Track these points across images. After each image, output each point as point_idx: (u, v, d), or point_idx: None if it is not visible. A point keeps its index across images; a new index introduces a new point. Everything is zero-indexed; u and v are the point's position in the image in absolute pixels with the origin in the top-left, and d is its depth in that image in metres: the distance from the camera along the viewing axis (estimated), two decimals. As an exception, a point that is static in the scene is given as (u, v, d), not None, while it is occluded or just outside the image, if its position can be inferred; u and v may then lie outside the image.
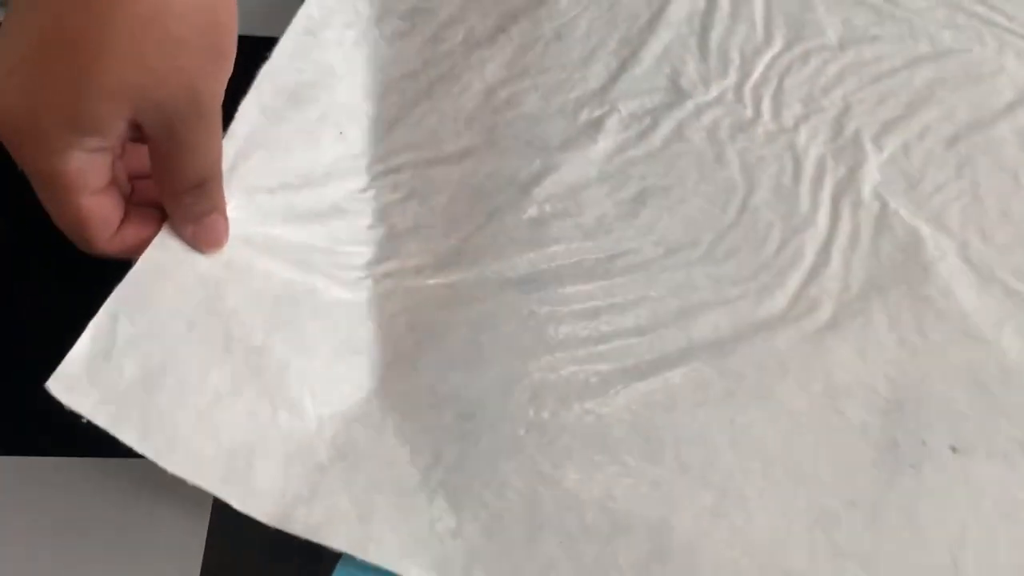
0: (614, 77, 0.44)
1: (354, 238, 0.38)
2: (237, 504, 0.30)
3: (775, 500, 0.33)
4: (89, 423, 0.29)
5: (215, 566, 0.32)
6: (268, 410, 0.32)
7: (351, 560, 0.31)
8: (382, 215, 0.39)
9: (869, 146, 0.43)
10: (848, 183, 0.42)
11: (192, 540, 0.32)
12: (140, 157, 0.32)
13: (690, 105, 0.44)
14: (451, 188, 0.40)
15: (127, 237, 0.32)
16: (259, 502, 0.30)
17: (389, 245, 0.38)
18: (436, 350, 0.35)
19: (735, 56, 0.46)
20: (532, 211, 0.40)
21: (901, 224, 0.41)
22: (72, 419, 0.29)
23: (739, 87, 0.45)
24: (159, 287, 0.32)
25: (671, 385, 0.35)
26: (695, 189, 0.41)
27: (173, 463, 0.30)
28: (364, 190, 0.40)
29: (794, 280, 0.39)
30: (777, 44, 0.47)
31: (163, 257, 0.32)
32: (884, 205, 0.41)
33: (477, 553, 0.31)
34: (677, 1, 0.48)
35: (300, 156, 0.38)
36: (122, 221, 0.32)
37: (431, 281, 0.37)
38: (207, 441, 0.31)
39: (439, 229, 0.39)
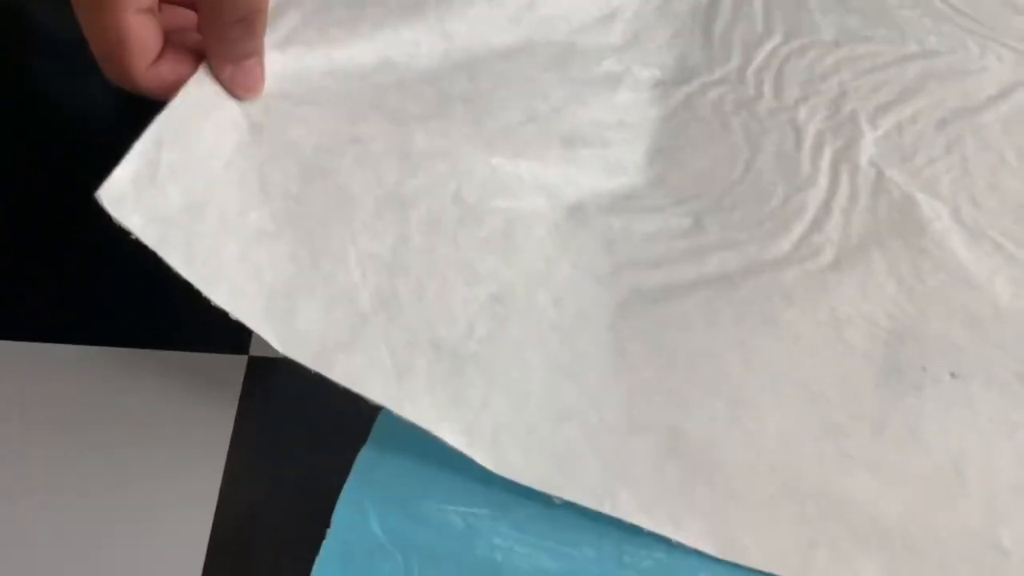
0: (630, 44, 0.48)
1: (403, 92, 0.38)
2: (279, 345, 0.30)
3: (784, 411, 0.35)
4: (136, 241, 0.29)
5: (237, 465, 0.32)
6: (308, 255, 0.32)
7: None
8: (433, 77, 0.40)
9: (865, 125, 0.46)
10: (846, 152, 0.45)
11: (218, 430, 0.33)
12: (174, 16, 0.33)
13: (696, 83, 0.47)
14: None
15: (163, 71, 0.31)
16: (300, 343, 0.31)
17: (439, 106, 0.39)
18: (474, 229, 0.36)
19: (737, 45, 0.50)
20: (565, 128, 0.42)
21: (897, 189, 0.43)
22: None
23: (742, 70, 0.48)
24: (197, 123, 0.32)
25: (684, 310, 0.37)
26: (703, 150, 0.44)
27: (217, 294, 0.30)
28: (415, 44, 0.40)
29: (797, 229, 0.41)
30: (776, 37, 0.51)
31: (201, 95, 0.32)
32: (880, 173, 0.44)
33: (504, 426, 0.32)
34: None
35: (341, 13, 0.38)
36: (159, 57, 0.31)
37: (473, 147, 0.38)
38: (250, 277, 0.31)
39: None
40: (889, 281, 0.40)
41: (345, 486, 0.32)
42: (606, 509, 0.31)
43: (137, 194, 0.29)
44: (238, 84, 0.33)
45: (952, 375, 0.36)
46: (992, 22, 0.54)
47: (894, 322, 0.38)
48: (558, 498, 0.32)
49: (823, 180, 0.44)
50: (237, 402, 0.34)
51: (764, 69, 0.49)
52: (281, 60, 0.35)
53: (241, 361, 0.35)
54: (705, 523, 0.32)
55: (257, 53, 0.33)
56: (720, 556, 0.31)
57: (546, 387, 0.34)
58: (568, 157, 0.41)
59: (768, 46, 0.50)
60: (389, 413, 0.31)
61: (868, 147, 0.45)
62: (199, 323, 0.33)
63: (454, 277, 0.35)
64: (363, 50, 0.38)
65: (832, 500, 0.33)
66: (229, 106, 0.33)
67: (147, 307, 0.37)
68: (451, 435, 0.31)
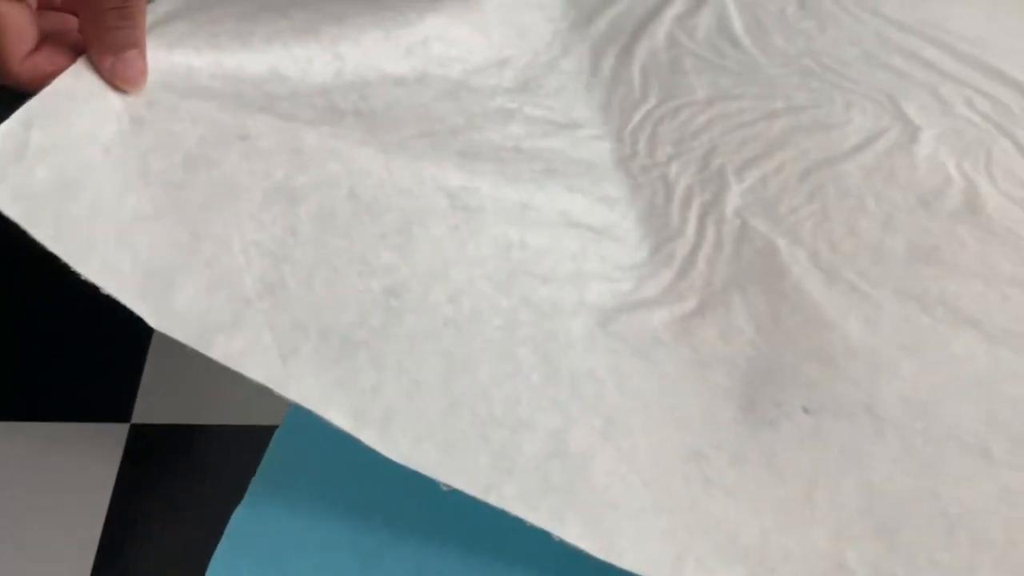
0: (520, 89, 0.51)
1: (294, 100, 0.40)
2: (153, 321, 0.31)
3: (654, 435, 0.37)
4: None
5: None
6: (190, 238, 0.33)
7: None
8: (325, 91, 0.42)
9: (732, 178, 0.49)
10: (713, 205, 0.48)
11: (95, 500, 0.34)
12: (56, 20, 0.33)
13: (582, 133, 0.50)
14: None
15: (40, 62, 0.32)
16: (177, 323, 0.32)
17: (331, 115, 0.41)
18: (369, 226, 0.38)
19: (615, 107, 0.53)
20: (461, 146, 0.44)
21: (760, 237, 0.46)
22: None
23: (620, 130, 0.51)
24: (74, 110, 0.32)
25: (567, 329, 0.40)
26: (586, 185, 0.47)
27: (88, 269, 0.30)
28: (308, 60, 0.42)
29: (666, 276, 0.44)
30: (652, 100, 0.54)
31: (78, 83, 0.33)
32: (744, 223, 0.47)
33: (395, 411, 0.34)
34: (567, 58, 0.55)
35: (232, 26, 0.40)
36: (36, 49, 0.32)
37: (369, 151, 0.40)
38: (125, 255, 0.32)
39: None
40: (748, 325, 0.42)
41: (218, 548, 0.33)
42: (492, 500, 0.33)
43: (1, 171, 0.30)
44: (118, 75, 0.33)
45: (805, 410, 0.39)
46: (857, 76, 0.57)
47: (751, 363, 0.40)
48: (446, 485, 0.33)
49: (690, 231, 0.46)
50: (116, 471, 0.35)
51: (639, 130, 0.52)
52: (168, 59, 0.37)
53: (123, 429, 0.36)
54: (585, 525, 0.34)
55: (138, 46, 0.33)
56: (598, 556, 0.33)
57: (439, 378, 0.35)
58: (467, 167, 0.43)
59: (644, 108, 0.53)
60: (265, 472, 0.33)
61: (734, 199, 0.48)
62: (78, 393, 0.35)
63: (346, 268, 0.37)
64: (254, 60, 0.40)
65: (697, 518, 0.35)
66: (110, 97, 0.34)
67: (24, 378, 0.38)
68: (338, 417, 0.33)
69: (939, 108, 0.55)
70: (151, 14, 0.36)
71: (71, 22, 0.34)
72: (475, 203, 0.42)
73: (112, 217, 0.32)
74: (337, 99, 0.42)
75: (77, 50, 0.33)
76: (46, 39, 0.33)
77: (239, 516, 0.34)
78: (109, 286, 0.31)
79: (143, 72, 0.34)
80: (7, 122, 0.31)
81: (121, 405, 0.37)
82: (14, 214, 0.30)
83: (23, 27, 0.31)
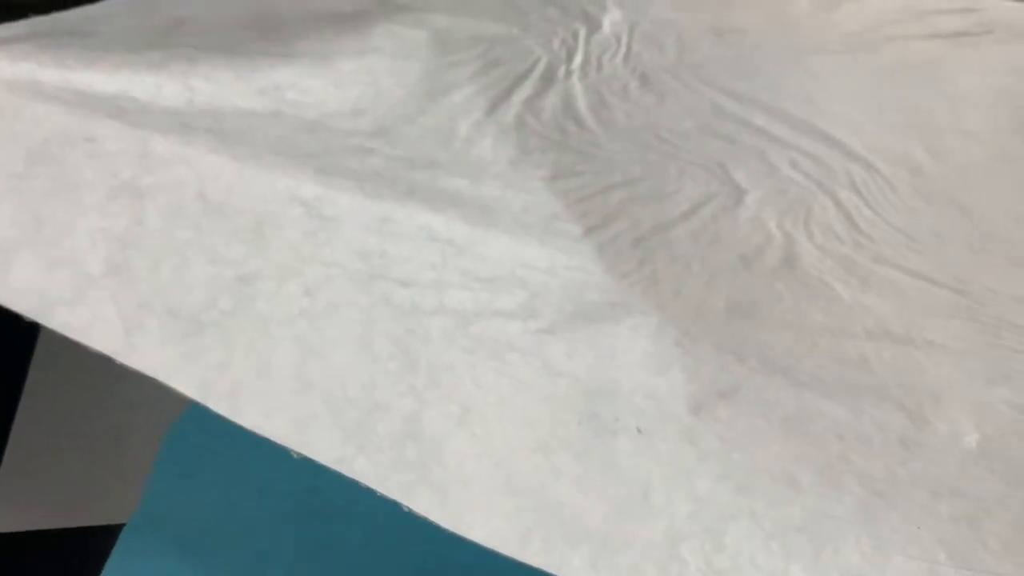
0: (379, 133, 0.54)
1: (145, 113, 0.43)
2: None
3: (506, 426, 0.40)
4: None
5: None
6: (32, 221, 0.36)
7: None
8: (176, 112, 0.44)
9: (561, 260, 0.52)
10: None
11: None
12: None
13: (441, 171, 0.54)
14: None
15: None
16: (15, 296, 0.34)
17: (183, 129, 0.44)
18: (220, 222, 0.41)
19: (470, 166, 0.56)
20: (318, 166, 0.47)
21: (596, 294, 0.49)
22: None
23: (476, 183, 0.55)
24: None
25: (427, 328, 0.43)
26: (448, 207, 0.51)
27: None
28: (158, 87, 0.45)
29: (521, 295, 0.47)
30: (502, 166, 0.57)
31: None
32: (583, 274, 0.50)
33: (244, 386, 0.36)
34: (425, 116, 0.59)
35: (78, 52, 0.43)
36: None
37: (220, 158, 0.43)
38: None
39: None
40: (590, 353, 0.45)
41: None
42: (343, 470, 0.36)
43: None
44: None
45: (639, 430, 0.42)
46: (692, 146, 0.61)
47: (594, 382, 0.44)
48: (297, 454, 0.36)
49: (543, 264, 0.49)
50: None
51: (493, 181, 0.55)
52: (11, 68, 0.40)
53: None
54: (436, 498, 0.36)
55: None
56: (446, 527, 0.36)
57: (292, 360, 0.38)
58: (324, 182, 0.47)
59: (495, 169, 0.57)
60: (122, 548, 0.34)
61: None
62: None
63: (196, 257, 0.40)
64: (103, 80, 0.43)
65: (545, 501, 0.38)
66: None
67: None
68: (184, 387, 0.35)
69: (765, 171, 0.59)
70: None
71: None
72: (332, 213, 0.46)
73: None
74: (189, 120, 0.45)
75: None
76: None
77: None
78: None
79: None
80: None
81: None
82: None
83: None
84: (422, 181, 0.52)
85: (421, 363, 0.41)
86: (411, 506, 0.35)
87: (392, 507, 0.36)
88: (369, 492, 0.36)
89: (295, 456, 0.35)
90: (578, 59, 0.71)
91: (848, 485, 0.40)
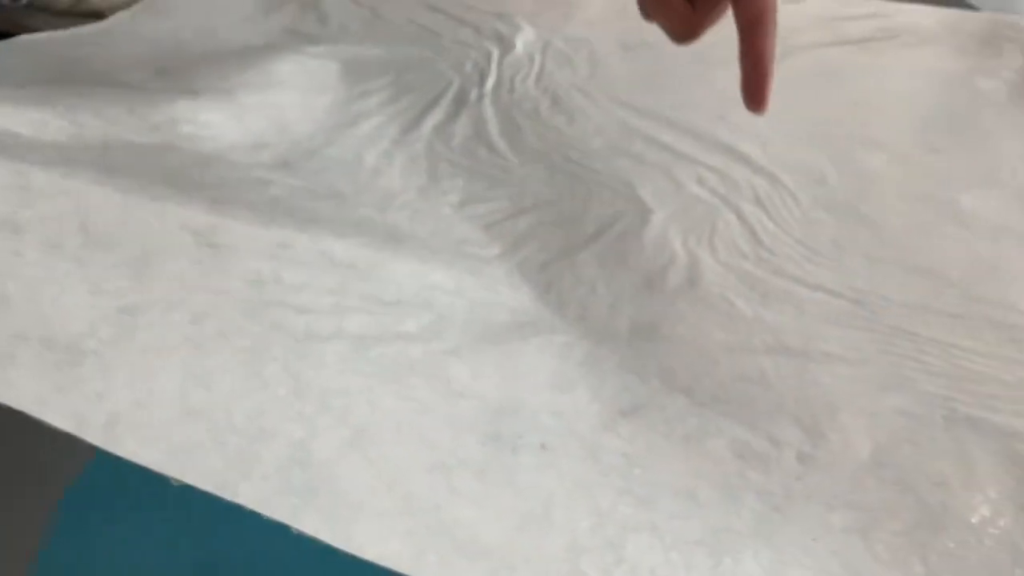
0: (279, 166, 0.55)
1: (28, 148, 0.43)
2: None
3: (402, 448, 0.40)
4: None
5: None
6: None
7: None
8: (62, 147, 0.44)
9: (467, 281, 0.53)
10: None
11: None
12: None
13: (344, 201, 0.55)
14: None
15: None
16: None
17: (66, 162, 0.43)
18: (103, 254, 0.41)
19: (376, 193, 0.57)
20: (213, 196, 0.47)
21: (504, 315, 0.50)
22: None
23: (382, 210, 0.56)
24: None
25: (321, 353, 0.43)
26: (351, 233, 0.51)
27: None
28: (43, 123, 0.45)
29: (425, 317, 0.48)
30: (405, 196, 0.58)
31: None
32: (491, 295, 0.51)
33: (123, 415, 0.36)
34: (331, 148, 0.59)
35: None
36: None
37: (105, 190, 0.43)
38: None
39: None
40: (496, 373, 0.46)
41: None
42: (226, 495, 0.35)
43: None
44: None
45: (543, 446, 0.42)
46: (600, 166, 0.62)
47: (498, 401, 0.44)
48: (176, 480, 0.35)
49: (450, 285, 0.50)
50: None
51: (401, 209, 0.56)
52: None
53: None
54: (325, 520, 0.36)
55: None
56: (337, 547, 0.35)
57: (175, 389, 0.38)
58: (217, 210, 0.47)
59: (402, 198, 0.57)
60: None
61: (478, 293, 0.52)
62: None
63: (76, 287, 0.39)
64: None
65: (440, 520, 0.38)
66: None
67: None
68: (57, 419, 0.35)
69: (672, 189, 0.61)
70: None
71: None
72: (224, 241, 0.46)
73: None
74: (74, 154, 0.46)
75: None
76: None
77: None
78: None
79: None
80: None
81: None
82: None
83: None
84: (324, 210, 0.52)
85: (313, 389, 0.41)
86: (299, 527, 0.36)
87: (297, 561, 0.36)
88: (274, 551, 0.36)
89: (174, 484, 0.35)
90: (490, 81, 0.71)
91: (746, 500, 0.41)
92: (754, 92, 0.46)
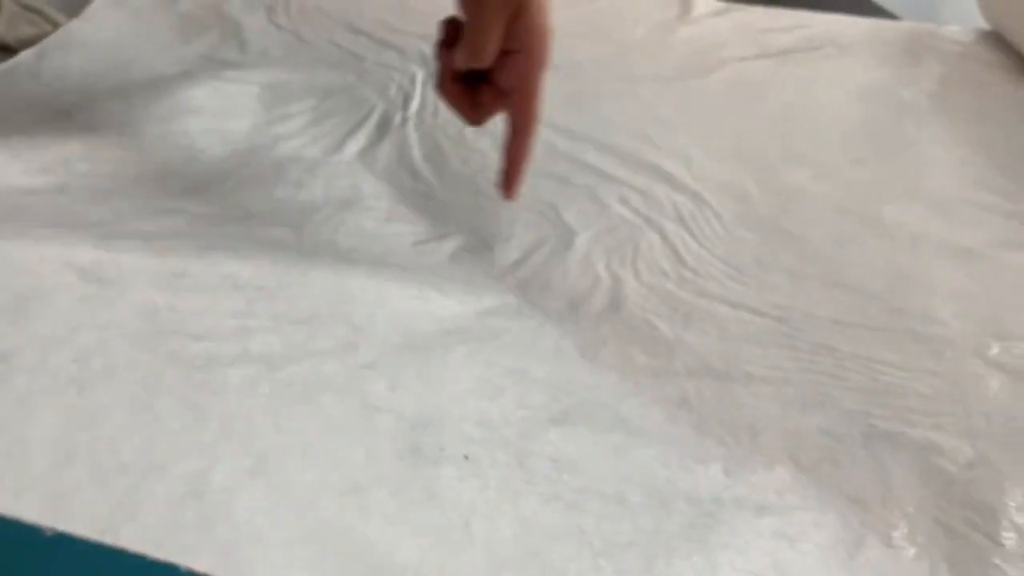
0: (192, 191, 0.54)
1: None
2: None
3: (310, 472, 0.39)
4: None
5: None
6: None
7: None
8: None
9: (394, 288, 0.52)
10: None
11: None
12: None
13: (255, 222, 0.54)
14: None
15: None
16: None
17: None
18: None
19: (295, 210, 0.57)
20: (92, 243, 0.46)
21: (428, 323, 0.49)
22: None
23: (299, 224, 0.55)
24: None
25: (223, 380, 0.42)
26: (258, 253, 0.50)
27: None
28: None
29: (341, 331, 0.47)
30: (328, 209, 0.57)
31: None
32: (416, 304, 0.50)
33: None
34: (248, 168, 0.59)
35: None
36: None
37: None
38: None
39: None
40: (416, 382, 0.45)
41: None
42: (108, 540, 0.34)
43: None
44: None
45: (466, 457, 0.42)
46: (524, 189, 0.61)
47: (418, 415, 0.44)
48: (51, 530, 0.34)
49: (370, 297, 0.49)
50: None
51: (321, 225, 0.55)
52: None
53: None
54: (221, 556, 0.35)
55: None
56: None
57: (53, 434, 0.37)
58: (104, 246, 0.46)
59: (326, 211, 0.57)
60: None
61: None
62: None
63: None
64: None
65: (352, 544, 0.37)
66: None
67: None
68: None
69: (596, 210, 0.60)
70: None
71: None
72: (112, 275, 0.45)
73: None
74: None
75: None
76: None
77: None
78: None
79: None
80: None
81: None
82: None
83: None
84: (232, 233, 0.51)
85: (212, 417, 0.40)
86: (191, 565, 0.35)
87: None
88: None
89: (48, 534, 0.34)
90: (414, 104, 0.71)
91: (676, 504, 0.41)
92: (506, 184, 0.53)
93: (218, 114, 0.63)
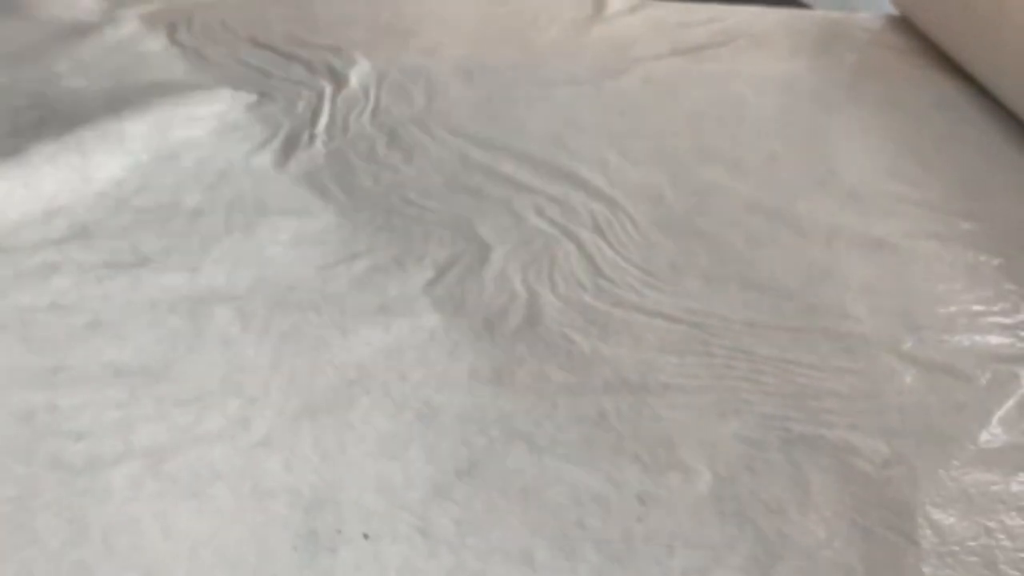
0: (74, 236, 0.51)
1: None
2: None
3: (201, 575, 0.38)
4: None
5: None
6: None
7: None
8: None
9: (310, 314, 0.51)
10: (294, 334, 0.49)
11: None
12: None
13: (147, 270, 0.52)
14: None
15: None
16: None
17: None
18: None
19: (195, 241, 0.54)
20: None
21: (333, 370, 0.48)
22: None
23: (198, 260, 0.54)
24: None
25: (106, 483, 0.40)
26: (145, 330, 0.48)
27: None
28: None
29: (232, 406, 0.45)
30: (236, 234, 0.56)
31: None
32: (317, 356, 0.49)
33: None
34: (143, 194, 0.57)
35: None
36: None
37: None
38: None
39: None
40: (314, 453, 0.43)
41: None
42: None
43: None
44: None
45: (365, 536, 0.40)
46: (438, 205, 0.61)
47: (315, 492, 0.42)
48: None
49: (264, 360, 0.47)
50: None
51: (220, 261, 0.53)
52: None
53: None
54: None
55: None
56: None
57: None
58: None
59: (227, 242, 0.55)
60: None
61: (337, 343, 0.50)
62: None
63: None
64: None
65: None
66: None
67: None
68: None
69: (511, 222, 0.60)
70: None
71: None
72: None
73: None
74: None
75: None
76: None
77: None
78: None
79: None
80: None
81: None
82: None
83: None
84: (114, 296, 0.49)
85: (94, 529, 0.38)
86: None
87: None
88: None
89: None
90: (323, 121, 0.69)
91: (584, 553, 0.40)
92: None
93: (112, 141, 0.60)
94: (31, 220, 0.51)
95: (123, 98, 0.65)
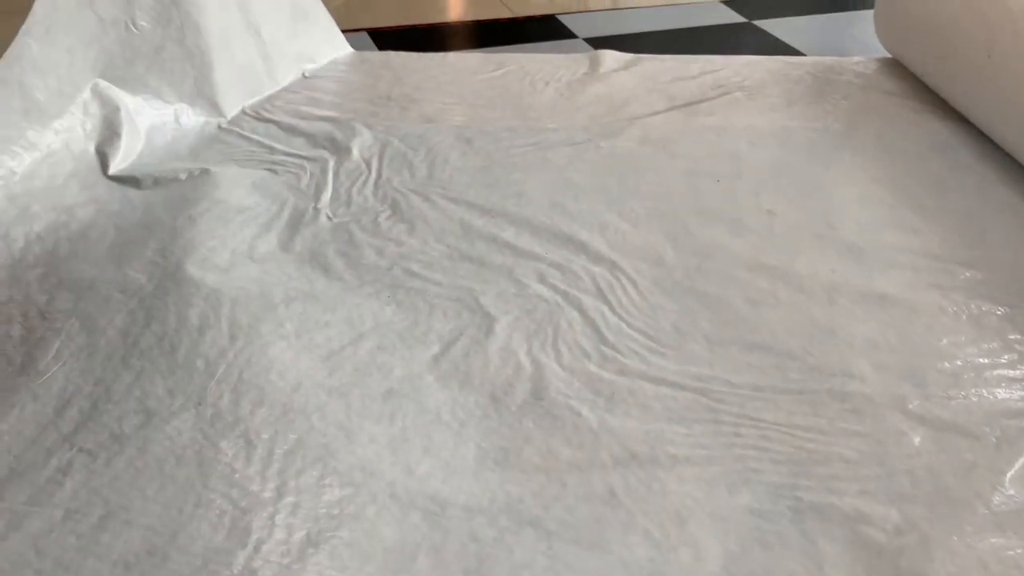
0: (85, 420, 0.51)
1: None
2: None
3: None
4: None
5: None
6: None
7: None
8: None
9: (315, 419, 0.51)
10: (293, 454, 0.49)
11: None
12: None
13: (156, 421, 0.51)
14: None
15: None
16: None
17: None
18: None
19: (200, 363, 0.54)
20: None
21: (336, 477, 0.48)
22: None
23: (203, 389, 0.52)
24: None
25: None
26: (151, 500, 0.47)
27: None
28: None
29: (240, 558, 0.44)
30: (239, 342, 0.55)
31: None
32: (326, 465, 0.48)
33: None
34: (150, 331, 0.56)
35: None
36: None
37: None
38: None
39: None
40: None
41: None
42: None
43: None
44: None
45: None
46: (441, 276, 0.61)
47: None
48: None
49: (269, 494, 0.47)
50: None
51: (224, 380, 0.53)
52: None
53: None
54: None
55: None
56: None
57: None
58: None
59: (231, 353, 0.55)
60: None
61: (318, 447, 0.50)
62: None
63: None
64: None
65: None
66: None
67: None
68: None
69: (514, 291, 0.60)
70: None
71: None
72: None
73: None
74: None
75: None
76: None
77: None
78: None
79: None
80: None
81: None
82: None
83: None
84: (120, 477, 0.48)
85: None
86: None
87: None
88: None
89: None
90: (326, 195, 0.70)
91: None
92: None
93: (113, 244, 0.61)
94: (43, 416, 0.51)
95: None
